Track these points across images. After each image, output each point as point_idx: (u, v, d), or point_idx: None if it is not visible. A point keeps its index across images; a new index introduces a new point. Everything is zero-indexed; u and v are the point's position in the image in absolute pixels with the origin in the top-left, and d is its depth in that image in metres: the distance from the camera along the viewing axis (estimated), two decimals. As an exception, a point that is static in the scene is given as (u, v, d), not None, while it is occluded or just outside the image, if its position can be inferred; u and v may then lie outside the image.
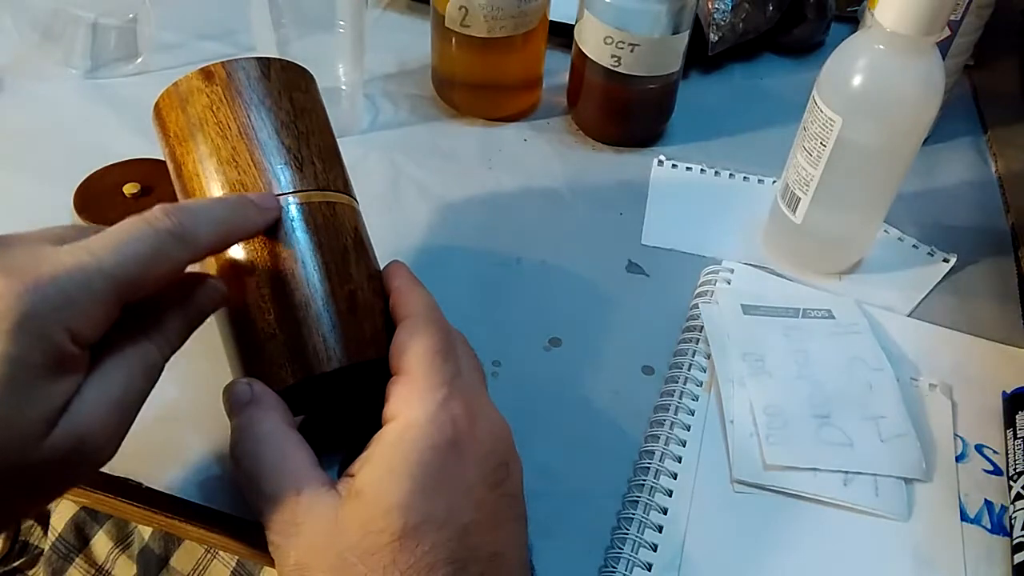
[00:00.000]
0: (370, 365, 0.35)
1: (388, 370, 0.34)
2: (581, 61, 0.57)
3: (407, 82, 0.63)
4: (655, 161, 0.58)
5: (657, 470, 0.40)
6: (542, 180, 0.57)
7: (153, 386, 0.31)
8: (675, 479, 0.40)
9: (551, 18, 0.58)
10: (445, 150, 0.58)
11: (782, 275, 0.51)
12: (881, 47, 0.43)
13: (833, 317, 0.47)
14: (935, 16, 0.41)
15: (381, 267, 0.38)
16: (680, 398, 0.43)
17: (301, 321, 0.34)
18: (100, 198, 0.50)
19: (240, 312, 0.35)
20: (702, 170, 0.58)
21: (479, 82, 0.59)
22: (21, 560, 0.63)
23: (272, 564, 0.32)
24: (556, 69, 0.62)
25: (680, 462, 0.41)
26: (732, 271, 0.50)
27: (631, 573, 0.36)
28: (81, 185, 0.50)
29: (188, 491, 0.38)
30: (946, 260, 0.53)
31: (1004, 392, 0.45)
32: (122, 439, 0.29)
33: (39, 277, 0.26)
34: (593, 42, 0.55)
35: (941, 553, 0.38)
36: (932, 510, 0.40)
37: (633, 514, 0.38)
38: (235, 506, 0.37)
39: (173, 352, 0.32)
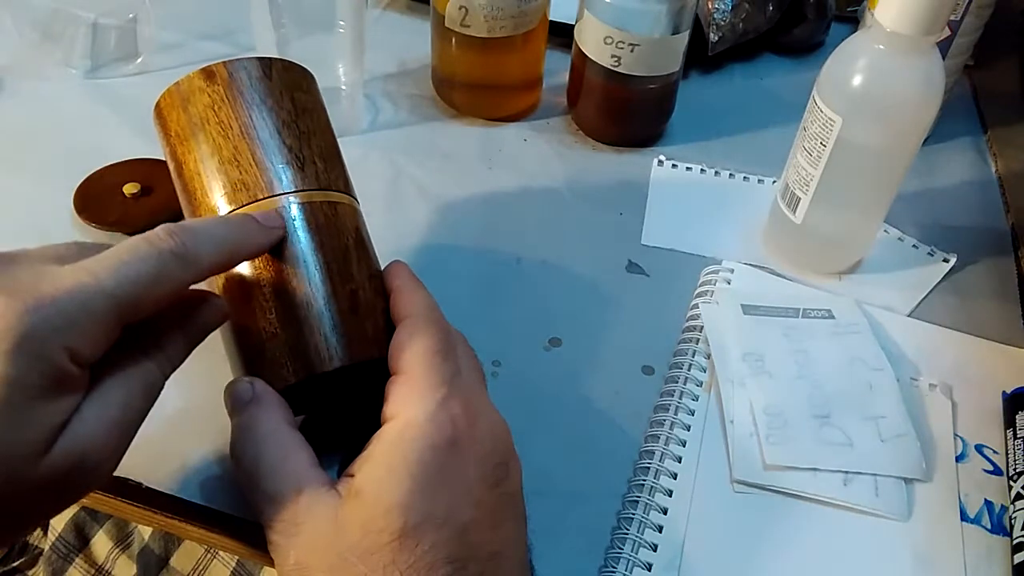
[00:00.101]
0: (371, 365, 0.35)
1: (388, 370, 0.34)
2: (581, 61, 0.57)
3: (407, 82, 0.63)
4: (655, 161, 0.58)
5: (657, 470, 0.40)
6: (542, 180, 0.57)
7: (153, 404, 0.31)
8: (675, 479, 0.40)
9: (551, 18, 0.58)
10: (445, 150, 0.58)
11: (782, 275, 0.51)
12: (881, 47, 0.43)
13: (833, 317, 0.47)
14: (935, 16, 0.41)
15: (382, 267, 0.38)
16: (680, 398, 0.43)
17: (303, 320, 0.34)
18: (100, 198, 0.50)
19: (242, 311, 0.35)
20: (702, 170, 0.58)
21: (479, 82, 0.59)
22: (21, 560, 0.63)
23: (272, 564, 0.32)
24: (556, 69, 0.62)
25: (680, 462, 0.41)
26: (732, 271, 0.50)
27: (631, 573, 0.36)
28: (81, 185, 0.50)
29: (188, 491, 0.38)
30: (946, 260, 0.53)
31: (1004, 392, 0.45)
32: (121, 457, 0.29)
33: (40, 297, 0.26)
34: (593, 42, 0.55)
35: (941, 553, 0.38)
36: (932, 510, 0.40)
37: (633, 514, 0.38)
38: (235, 506, 0.37)
39: (174, 370, 0.32)
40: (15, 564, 0.63)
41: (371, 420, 0.33)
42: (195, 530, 0.38)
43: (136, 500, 0.38)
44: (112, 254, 0.29)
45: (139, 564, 0.59)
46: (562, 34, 0.61)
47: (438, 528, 0.29)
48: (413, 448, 0.30)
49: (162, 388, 0.31)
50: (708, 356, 0.45)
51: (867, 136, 0.44)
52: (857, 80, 0.43)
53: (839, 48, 0.45)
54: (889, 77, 0.43)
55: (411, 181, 0.55)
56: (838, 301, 0.49)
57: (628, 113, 0.59)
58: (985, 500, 0.41)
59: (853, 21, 0.73)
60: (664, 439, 0.41)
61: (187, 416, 0.40)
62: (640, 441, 0.42)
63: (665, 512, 0.39)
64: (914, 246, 0.54)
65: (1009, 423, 0.43)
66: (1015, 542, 0.38)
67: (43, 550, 0.61)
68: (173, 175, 0.39)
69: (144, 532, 0.60)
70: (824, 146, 0.45)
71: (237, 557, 0.58)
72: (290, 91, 0.38)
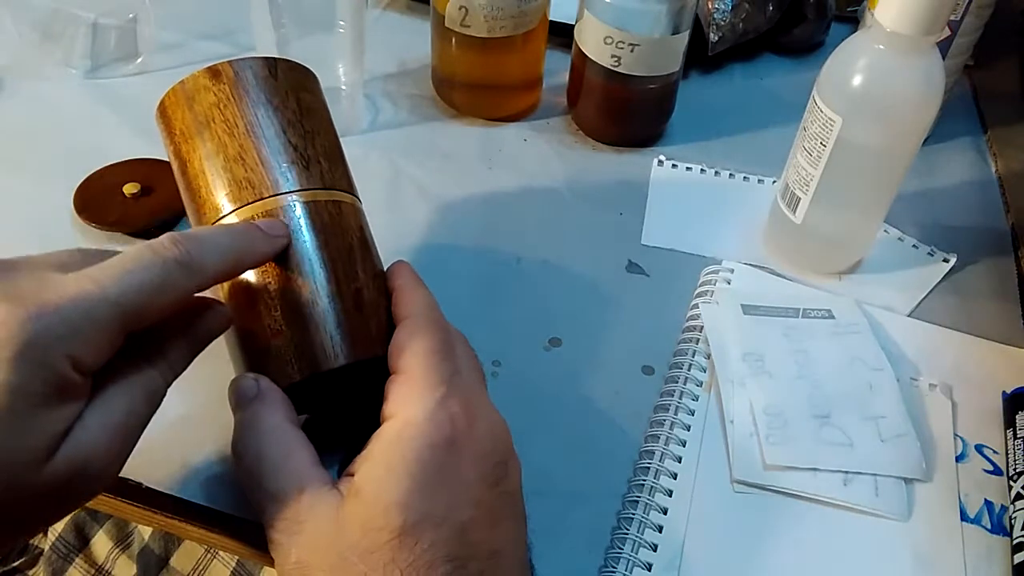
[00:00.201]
0: (374, 363, 0.35)
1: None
2: (581, 61, 0.57)
3: (407, 82, 0.63)
4: (655, 161, 0.58)
5: (657, 470, 0.40)
6: (542, 180, 0.57)
7: (155, 411, 0.31)
8: (675, 479, 0.40)
9: (551, 18, 0.58)
10: (445, 150, 0.58)
11: (782, 275, 0.51)
12: (881, 47, 0.43)
13: (833, 317, 0.47)
14: (935, 16, 0.41)
15: (384, 267, 0.38)
16: (680, 398, 0.43)
17: (308, 318, 0.34)
18: (100, 198, 0.50)
19: (246, 309, 0.35)
20: (702, 170, 0.58)
21: (479, 82, 0.59)
22: (21, 560, 0.63)
23: (272, 564, 0.32)
24: (556, 69, 0.62)
25: (680, 462, 0.41)
26: (732, 271, 0.50)
27: (631, 573, 0.36)
28: (81, 185, 0.50)
29: (188, 491, 0.38)
30: (946, 260, 0.53)
31: (1004, 392, 0.45)
32: (123, 463, 0.29)
33: (43, 305, 0.26)
34: (593, 42, 0.55)
35: (941, 553, 0.38)
36: (932, 510, 0.40)
37: (633, 514, 0.38)
38: (235, 506, 0.37)
39: (176, 377, 0.32)
40: (15, 564, 0.63)
41: (372, 419, 0.33)
42: (195, 530, 0.38)
43: (136, 500, 0.38)
44: (116, 262, 0.29)
45: (139, 564, 0.59)
46: (562, 34, 0.61)
47: (437, 527, 0.29)
48: (412, 447, 0.30)
49: (164, 395, 0.31)
50: (708, 356, 0.45)
51: (867, 136, 0.44)
52: (857, 80, 0.43)
53: (839, 48, 0.45)
54: (889, 77, 0.43)
55: (411, 181, 0.55)
56: (838, 301, 0.49)
57: (628, 113, 0.59)
58: (985, 500, 0.41)
59: (853, 21, 0.73)
60: (664, 439, 0.41)
61: (187, 416, 0.40)
62: (640, 441, 0.42)
63: (665, 512, 0.39)
64: (914, 246, 0.54)
65: (1009, 423, 0.43)
66: (1015, 542, 0.38)
67: (43, 550, 0.61)
68: (176, 173, 0.39)
69: (144, 532, 0.60)
70: (824, 146, 0.45)
71: (237, 557, 0.58)
72: (295, 91, 0.39)
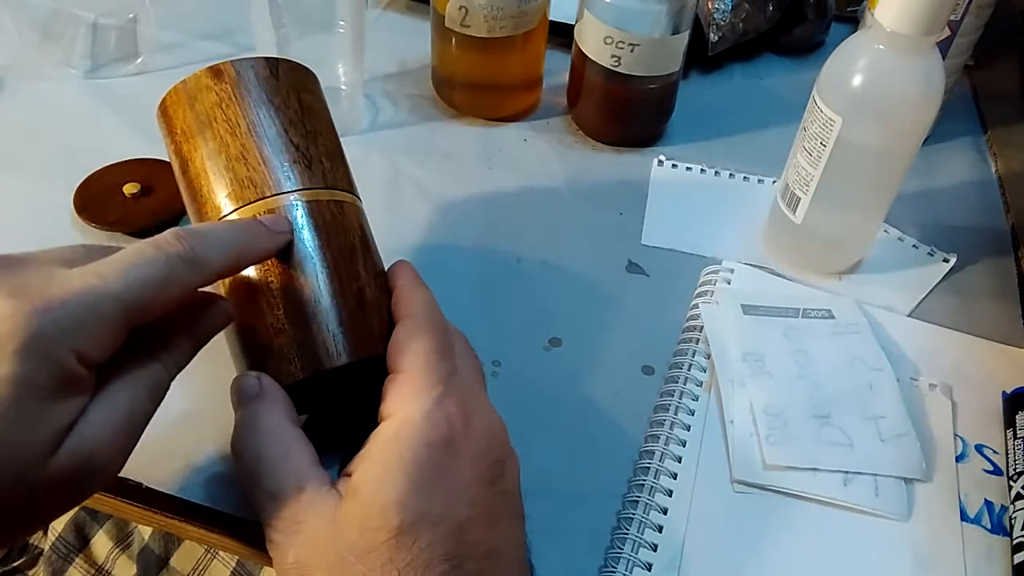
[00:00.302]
0: (375, 362, 0.35)
1: (388, 369, 0.34)
2: (581, 61, 0.57)
3: (407, 82, 0.63)
4: (655, 161, 0.58)
5: (657, 470, 0.40)
6: (542, 180, 0.57)
7: (158, 405, 0.31)
8: (675, 479, 0.40)
9: (551, 18, 0.58)
10: (445, 150, 0.58)
11: (782, 275, 0.51)
12: (881, 47, 0.43)
13: (833, 317, 0.47)
14: (935, 16, 0.41)
15: (385, 266, 0.38)
16: (680, 398, 0.43)
17: (310, 317, 0.34)
18: (100, 198, 0.50)
19: (248, 308, 0.35)
20: (702, 170, 0.58)
21: (479, 82, 0.59)
22: (21, 560, 0.63)
23: (272, 564, 0.32)
24: (556, 69, 0.62)
25: (680, 462, 0.41)
26: (732, 271, 0.50)
27: (631, 573, 0.36)
28: (81, 185, 0.50)
29: (188, 491, 0.38)
30: (946, 260, 0.53)
31: (1004, 392, 0.45)
32: (127, 457, 0.30)
33: (48, 299, 0.26)
34: (593, 42, 0.55)
35: (941, 553, 0.38)
36: (932, 510, 0.40)
37: (633, 514, 0.38)
38: (235, 506, 0.37)
39: (179, 371, 0.32)
40: (15, 564, 0.63)
41: (373, 419, 0.33)
42: (195, 530, 0.38)
43: (136, 500, 0.38)
44: (120, 257, 0.29)
45: (139, 564, 0.59)
46: (562, 34, 0.61)
47: (434, 526, 0.29)
48: (409, 446, 0.30)
49: (168, 389, 0.31)
50: (708, 356, 0.45)
51: (867, 136, 0.44)
52: (857, 80, 0.43)
53: (839, 48, 0.45)
54: (889, 77, 0.43)
55: (411, 181, 0.55)
56: (838, 301, 0.49)
57: (628, 113, 0.59)
58: (985, 500, 0.41)
59: (853, 21, 0.73)
60: (664, 439, 0.41)
61: (187, 416, 0.40)
62: (640, 441, 0.42)
63: (665, 512, 0.39)
64: (914, 246, 0.54)
65: (1009, 423, 0.43)
66: (1015, 542, 0.38)
67: (43, 550, 0.61)
68: (177, 173, 0.39)
69: (144, 532, 0.60)
70: (824, 146, 0.45)
71: (237, 557, 0.58)
72: (297, 91, 0.39)
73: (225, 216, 0.36)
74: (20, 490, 0.26)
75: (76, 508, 0.60)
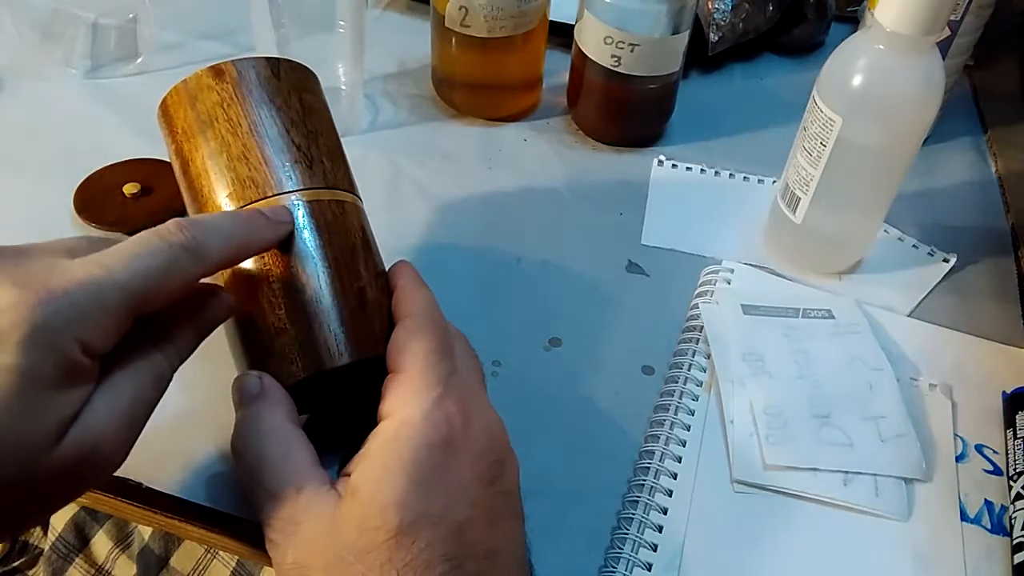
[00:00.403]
0: (377, 362, 0.35)
1: (388, 369, 0.34)
2: (581, 61, 0.57)
3: (407, 82, 0.63)
4: (655, 161, 0.58)
5: (657, 470, 0.40)
6: (542, 180, 0.57)
7: (162, 395, 0.31)
8: (675, 479, 0.40)
9: (551, 18, 0.58)
10: (445, 150, 0.58)
11: (782, 275, 0.51)
12: (881, 47, 0.43)
13: (833, 317, 0.47)
14: (935, 16, 0.41)
15: (386, 266, 0.38)
16: (680, 398, 0.43)
17: (312, 316, 0.34)
18: (100, 198, 0.50)
19: (250, 308, 0.35)
20: (702, 170, 0.58)
21: (479, 82, 0.59)
22: (21, 560, 0.63)
23: (272, 564, 0.32)
24: (556, 69, 0.62)
25: (680, 462, 0.41)
26: (732, 271, 0.50)
27: (631, 573, 0.36)
28: (81, 185, 0.50)
29: (188, 491, 0.38)
30: (946, 260, 0.53)
31: (1004, 392, 0.45)
32: (131, 448, 0.30)
33: (52, 289, 0.26)
34: (593, 42, 0.55)
35: (941, 553, 0.38)
36: (932, 510, 0.40)
37: (633, 514, 0.38)
38: (235, 506, 0.37)
39: (182, 362, 0.32)
40: (15, 564, 0.63)
41: (374, 419, 0.33)
42: (195, 530, 0.38)
43: (136, 500, 0.38)
44: (123, 247, 0.29)
45: (139, 564, 0.59)
46: (562, 34, 0.61)
47: (434, 526, 0.29)
48: (408, 447, 0.30)
49: (171, 380, 0.31)
50: (708, 356, 0.45)
51: (867, 136, 0.44)
52: (857, 80, 0.43)
53: (839, 48, 0.45)
54: (889, 77, 0.43)
55: (411, 181, 0.55)
56: (838, 301, 0.49)
57: (628, 113, 0.59)
58: (985, 500, 0.41)
59: (853, 21, 0.73)
60: (664, 439, 0.41)
61: (187, 416, 0.40)
62: (640, 441, 0.42)
63: (665, 512, 0.39)
64: (914, 246, 0.54)
65: (1009, 423, 0.43)
66: (1015, 542, 0.38)
67: (43, 550, 0.61)
68: (178, 173, 0.39)
69: (144, 532, 0.60)
70: (824, 146, 0.45)
71: (237, 557, 0.58)
72: (298, 91, 0.39)
73: None
74: (24, 480, 0.26)
75: (76, 508, 0.60)
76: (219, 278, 0.36)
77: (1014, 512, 0.39)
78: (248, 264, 0.35)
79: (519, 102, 0.62)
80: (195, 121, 0.37)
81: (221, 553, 0.59)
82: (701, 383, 0.44)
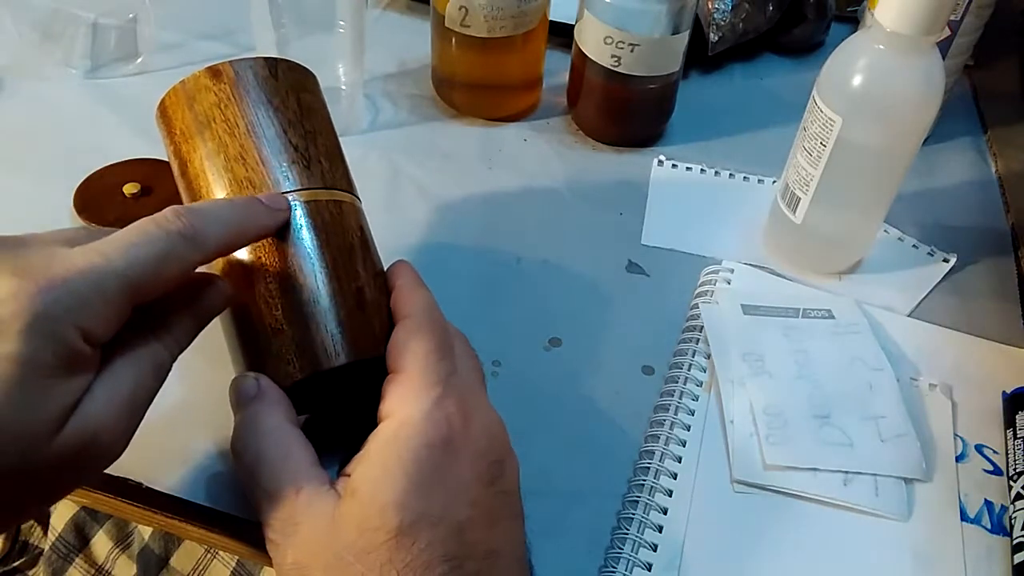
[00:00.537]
0: (375, 362, 0.35)
1: (388, 369, 0.34)
2: (581, 61, 0.57)
3: (407, 82, 0.63)
4: (655, 161, 0.58)
5: (657, 470, 0.40)
6: (542, 180, 0.57)
7: (161, 385, 0.31)
8: (675, 479, 0.40)
9: (551, 18, 0.58)
10: (445, 150, 0.58)
11: (782, 275, 0.51)
12: (881, 47, 0.43)
13: (833, 317, 0.47)
14: (935, 16, 0.41)
15: (385, 266, 0.38)
16: (680, 398, 0.43)
17: (309, 317, 0.34)
18: (100, 198, 0.50)
19: (247, 308, 0.35)
20: (702, 170, 0.58)
21: (479, 82, 0.59)
22: (21, 560, 0.63)
23: (272, 564, 0.32)
24: (556, 69, 0.62)
25: (680, 462, 0.41)
26: (732, 271, 0.50)
27: (631, 573, 0.36)
28: (81, 185, 0.50)
29: (188, 491, 0.38)
30: (946, 260, 0.53)
31: (1004, 392, 0.45)
32: (131, 437, 0.30)
33: (51, 278, 0.26)
34: (593, 42, 0.55)
35: (941, 553, 0.38)
36: (932, 510, 0.40)
37: (633, 514, 0.38)
38: (235, 506, 0.37)
39: (181, 351, 0.32)
40: (15, 564, 0.63)
41: (373, 419, 0.33)
42: (195, 530, 0.38)
43: (136, 500, 0.38)
44: (122, 236, 0.29)
45: (139, 564, 0.59)
46: (562, 34, 0.61)
47: (434, 526, 0.29)
48: (408, 447, 0.30)
49: (170, 369, 0.31)
50: (708, 356, 0.45)
51: (867, 136, 0.44)
52: (857, 80, 0.43)
53: (839, 48, 0.45)
54: (889, 77, 0.43)
55: (411, 181, 0.55)
56: (838, 301, 0.49)
57: (628, 113, 0.59)
58: (985, 500, 0.41)
59: (853, 21, 0.73)
60: (664, 439, 0.41)
61: (187, 416, 0.40)
62: (640, 441, 0.42)
63: (665, 512, 0.39)
64: (914, 246, 0.54)
65: (1009, 423, 0.43)
66: (1015, 542, 0.38)
67: (43, 550, 0.61)
68: (176, 173, 0.39)
69: (144, 532, 0.60)
70: (824, 146, 0.45)
71: (237, 557, 0.58)
72: (295, 91, 0.39)
73: None
74: (25, 469, 0.26)
75: (76, 508, 0.60)
76: None
77: (1014, 512, 0.39)
78: (246, 264, 0.35)
79: (519, 102, 0.62)
80: (193, 122, 0.37)
81: (221, 553, 0.59)
82: (701, 383, 0.44)
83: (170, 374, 0.31)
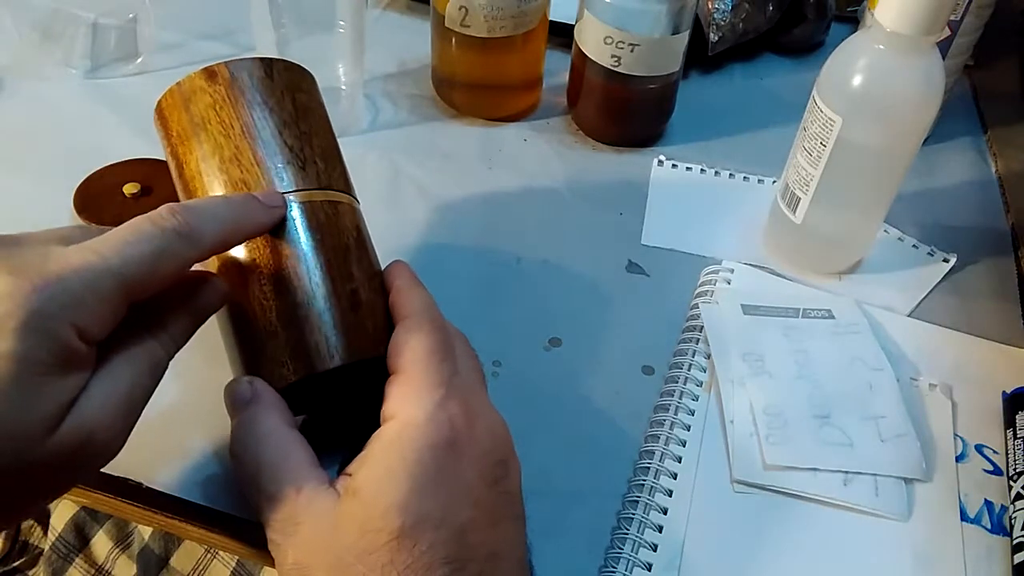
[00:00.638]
0: (371, 363, 0.35)
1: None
2: (581, 61, 0.57)
3: (407, 82, 0.63)
4: (655, 161, 0.58)
5: (657, 470, 0.40)
6: (542, 180, 0.57)
7: (158, 383, 0.31)
8: (675, 479, 0.40)
9: (551, 18, 0.58)
10: (445, 150, 0.58)
11: (782, 275, 0.51)
12: (881, 47, 0.43)
13: (833, 317, 0.47)
14: (935, 16, 0.41)
15: (382, 266, 0.38)
16: (680, 398, 0.43)
17: (303, 318, 0.34)
18: (100, 198, 0.50)
19: (242, 310, 0.35)
20: (702, 170, 0.58)
21: (479, 82, 0.59)
22: (21, 560, 0.63)
23: (272, 564, 0.32)
24: (556, 69, 0.62)
25: (680, 462, 0.41)
26: (732, 271, 0.50)
27: (631, 573, 0.36)
28: (81, 185, 0.50)
29: (188, 491, 0.38)
30: (946, 260, 0.53)
31: (1004, 392, 0.45)
32: (127, 436, 0.30)
33: (47, 276, 0.26)
34: (593, 42, 0.55)
35: (941, 553, 0.38)
36: (932, 510, 0.40)
37: (633, 514, 0.38)
38: (235, 506, 0.37)
39: (178, 350, 0.32)
40: (15, 564, 0.63)
41: (371, 419, 0.33)
42: (195, 530, 0.38)
43: (136, 500, 0.38)
44: (117, 234, 0.29)
45: (139, 564, 0.59)
46: (562, 34, 0.61)
47: (436, 528, 0.29)
48: (411, 448, 0.30)
49: (167, 367, 0.31)
50: (708, 356, 0.45)
51: (867, 136, 0.44)
52: (857, 80, 0.43)
53: (839, 48, 0.45)
54: (889, 77, 0.43)
55: (411, 181, 0.55)
56: (838, 301, 0.49)
57: (628, 113, 0.59)
58: (985, 500, 0.41)
59: (853, 21, 0.73)
60: (664, 439, 0.41)
61: (187, 416, 0.40)
62: (640, 441, 0.42)
63: (665, 512, 0.39)
64: (914, 246, 0.54)
65: (1009, 423, 0.43)
66: (1015, 542, 0.38)
67: (43, 550, 0.61)
68: (173, 175, 0.39)
69: (144, 532, 0.60)
70: (824, 146, 0.45)
71: (237, 557, 0.58)
72: (291, 92, 0.39)
73: None
74: (21, 468, 0.26)
75: (76, 508, 0.60)
76: None
77: (1014, 512, 0.39)
78: (241, 266, 0.35)
79: (519, 102, 0.62)
80: (189, 124, 0.37)
81: (221, 553, 0.59)
82: (701, 383, 0.44)
83: (167, 372, 0.31)
